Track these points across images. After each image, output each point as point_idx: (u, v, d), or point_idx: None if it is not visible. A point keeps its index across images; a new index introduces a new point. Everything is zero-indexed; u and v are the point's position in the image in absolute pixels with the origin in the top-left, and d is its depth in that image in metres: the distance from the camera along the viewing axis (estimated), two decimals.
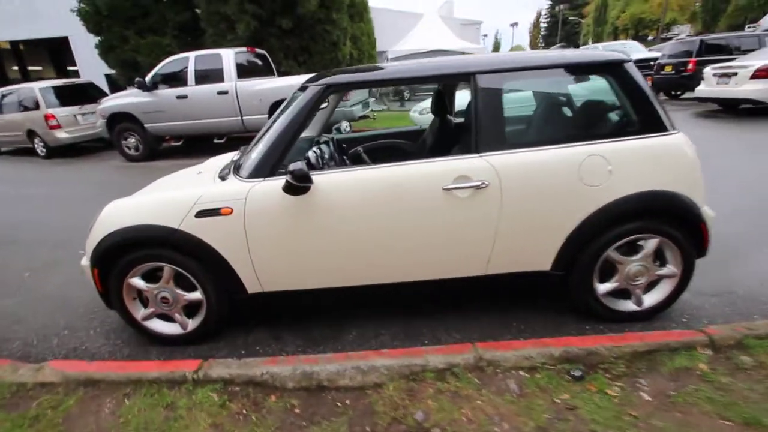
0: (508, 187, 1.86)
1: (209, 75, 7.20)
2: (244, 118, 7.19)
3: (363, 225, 1.90)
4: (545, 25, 62.01)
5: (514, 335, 2.05)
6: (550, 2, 37.08)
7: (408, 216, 1.89)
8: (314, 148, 2.44)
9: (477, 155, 1.88)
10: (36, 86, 8.77)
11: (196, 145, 8.40)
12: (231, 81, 7.09)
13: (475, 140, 1.89)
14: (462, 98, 2.95)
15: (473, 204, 1.87)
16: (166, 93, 7.26)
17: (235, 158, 2.34)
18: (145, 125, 7.49)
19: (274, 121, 2.09)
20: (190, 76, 7.20)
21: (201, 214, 1.88)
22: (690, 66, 9.68)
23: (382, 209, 1.88)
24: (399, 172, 1.89)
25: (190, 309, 2.11)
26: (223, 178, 2.05)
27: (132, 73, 10.05)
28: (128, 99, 7.50)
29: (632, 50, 13.95)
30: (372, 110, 8.53)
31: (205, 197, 1.89)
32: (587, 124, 2.13)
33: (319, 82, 1.95)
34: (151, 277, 2.05)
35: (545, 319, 2.18)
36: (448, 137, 2.72)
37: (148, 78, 7.31)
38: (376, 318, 2.27)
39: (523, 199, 1.88)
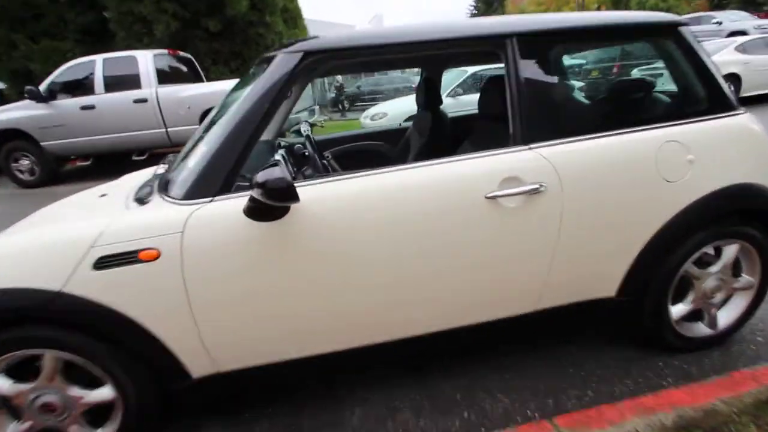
0: (571, 188, 1.33)
1: (122, 81, 6.08)
2: (169, 129, 6.16)
3: (375, 259, 1.27)
4: None
5: (581, 389, 1.51)
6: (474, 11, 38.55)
7: (440, 240, 1.29)
8: (281, 153, 1.75)
9: (525, 147, 1.34)
10: None
11: (110, 164, 7.11)
12: (150, 87, 6.04)
13: (521, 127, 1.35)
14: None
15: (525, 215, 1.32)
16: (67, 103, 6.02)
17: (161, 171, 1.59)
18: (41, 143, 6.14)
19: (219, 115, 1.40)
20: (98, 83, 6.04)
21: (103, 262, 1.13)
22: None
23: (403, 233, 1.26)
24: (425, 177, 1.29)
25: (97, 415, 1.31)
26: (141, 201, 1.31)
27: (25, 84, 8.45)
28: (18, 113, 6.13)
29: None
30: (320, 118, 7.85)
31: (109, 234, 1.14)
32: (651, 102, 1.69)
33: (295, 47, 1.29)
34: (25, 370, 1.24)
35: (601, 356, 1.68)
36: (447, 133, 2.18)
37: (43, 86, 6.02)
38: (381, 382, 1.63)
39: (590, 204, 1.37)
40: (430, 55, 1.90)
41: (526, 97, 1.35)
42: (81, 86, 6.09)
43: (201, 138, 1.37)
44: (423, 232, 1.27)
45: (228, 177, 1.20)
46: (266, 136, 2.36)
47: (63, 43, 8.83)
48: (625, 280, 1.50)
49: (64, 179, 6.68)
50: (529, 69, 1.36)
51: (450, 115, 2.45)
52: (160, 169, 1.65)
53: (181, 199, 1.20)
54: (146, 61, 6.09)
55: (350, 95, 16.09)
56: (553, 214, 1.34)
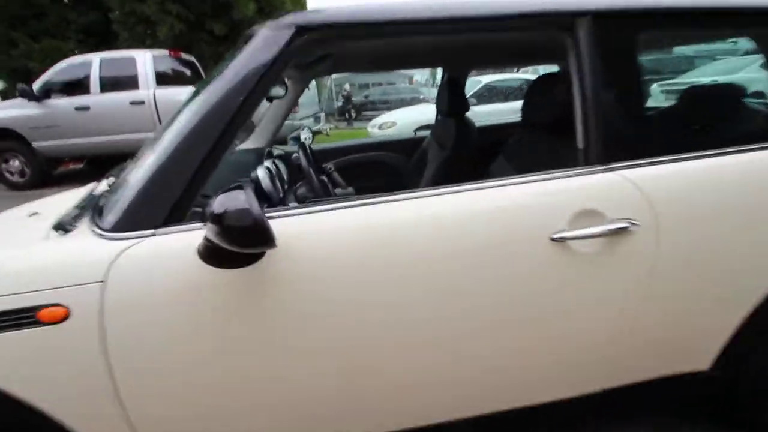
0: (669, 226, 0.94)
1: (119, 82, 5.80)
2: None
3: (388, 319, 0.88)
4: None
5: None
6: None
7: (483, 298, 0.90)
8: (268, 163, 1.38)
9: (604, 168, 0.95)
10: None
11: (105, 168, 6.80)
12: (148, 89, 5.74)
13: (598, 140, 0.96)
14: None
15: (605, 264, 0.93)
16: (61, 103, 5.73)
17: (99, 190, 1.20)
18: (32, 144, 5.84)
19: (179, 113, 1.03)
20: (94, 83, 5.74)
21: None
22: None
23: (428, 288, 0.87)
24: (460, 207, 0.91)
25: None
26: (64, 229, 0.93)
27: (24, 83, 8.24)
28: (8, 111, 5.85)
29: None
30: (326, 126, 7.51)
31: None
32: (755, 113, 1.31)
33: (284, 21, 0.92)
34: None
35: None
36: (473, 146, 1.81)
37: (36, 85, 5.74)
38: None
39: (695, 248, 0.97)
40: (464, 44, 1.51)
41: (605, 98, 0.97)
42: (76, 86, 5.80)
43: (153, 144, 0.99)
44: (455, 287, 0.89)
45: (180, 200, 0.82)
46: (256, 143, 2.00)
47: (65, 42, 8.62)
48: (727, 347, 1.10)
49: (56, 182, 6.36)
50: (611, 61, 0.98)
51: (477, 124, 2.08)
52: (104, 183, 1.27)
53: (109, 231, 0.82)
54: (145, 61, 5.79)
55: (358, 104, 15.86)
56: (642, 262, 0.94)
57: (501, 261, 0.90)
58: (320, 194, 1.28)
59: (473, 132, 1.96)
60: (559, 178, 0.95)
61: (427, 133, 2.36)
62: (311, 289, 0.84)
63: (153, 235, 0.81)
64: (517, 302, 0.92)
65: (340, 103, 15.84)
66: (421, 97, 14.76)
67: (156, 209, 0.82)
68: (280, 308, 0.83)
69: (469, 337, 0.93)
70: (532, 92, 1.38)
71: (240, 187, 0.69)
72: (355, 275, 0.85)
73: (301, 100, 6.87)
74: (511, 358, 0.98)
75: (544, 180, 0.94)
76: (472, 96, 6.56)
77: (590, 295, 0.95)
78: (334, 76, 18.89)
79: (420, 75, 21.79)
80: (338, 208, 0.88)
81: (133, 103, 5.70)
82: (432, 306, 0.89)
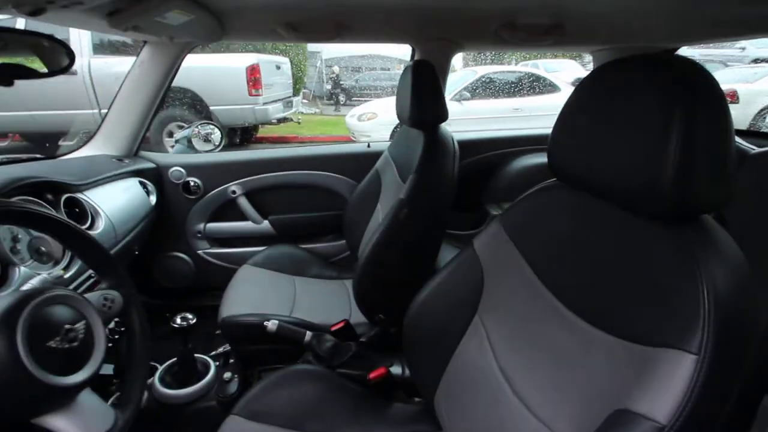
0: None
1: None
2: (103, 111, 4.92)
3: None
4: None
5: None
6: None
7: None
8: None
9: None
10: None
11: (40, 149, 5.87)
12: (81, 57, 4.81)
13: None
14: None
15: None
16: None
17: None
18: None
19: None
20: None
21: None
22: None
23: None
24: None
25: None
26: None
27: None
28: None
29: None
30: (298, 111, 6.62)
31: None
32: None
33: None
34: None
35: None
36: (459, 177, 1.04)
37: None
38: None
39: None
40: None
41: None
42: None
43: None
44: None
45: None
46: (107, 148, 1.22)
47: None
48: None
49: None
50: None
51: (459, 137, 1.29)
52: None
53: None
54: None
55: (347, 89, 14.84)
56: None
57: None
58: None
59: (449, 154, 1.17)
60: None
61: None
62: None
63: None
64: None
65: (328, 86, 14.82)
66: None
67: None
68: None
69: None
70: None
71: None
72: None
73: (271, 80, 6.00)
74: None
75: None
76: (464, 89, 5.74)
77: None
78: (325, 57, 17.79)
79: None
80: None
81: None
82: None
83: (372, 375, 0.94)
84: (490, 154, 1.73)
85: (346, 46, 18.74)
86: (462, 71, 5.80)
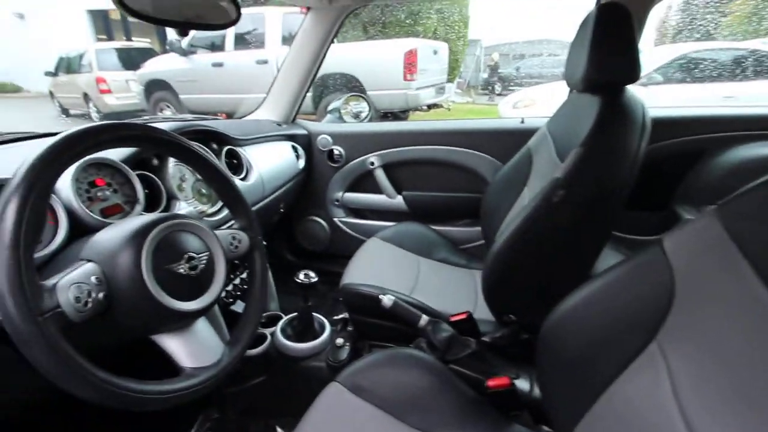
0: None
1: (251, 40, 5.83)
2: None
3: None
4: None
5: None
6: None
7: None
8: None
9: None
10: (95, 47, 8.36)
11: None
12: (273, 48, 5.62)
13: None
14: None
15: None
16: (202, 59, 6.05)
17: None
18: (179, 96, 6.40)
19: None
20: (229, 39, 5.89)
21: None
22: None
23: None
24: None
25: None
26: None
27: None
28: (166, 65, 6.46)
29: None
30: (449, 99, 6.50)
31: None
32: None
33: None
34: None
35: None
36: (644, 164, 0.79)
37: (185, 40, 6.15)
38: None
39: None
40: None
41: None
42: (215, 41, 6.04)
43: None
44: None
45: None
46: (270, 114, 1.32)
47: None
48: None
49: None
50: None
51: (654, 113, 0.98)
52: None
53: None
54: (273, 19, 5.66)
55: (505, 77, 14.05)
56: None
57: None
58: None
59: (634, 128, 0.89)
60: None
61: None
62: None
63: None
64: None
65: (485, 75, 14.29)
66: None
67: None
68: None
69: None
70: None
71: None
72: None
73: (426, 65, 6.01)
74: None
75: None
76: (656, 72, 4.70)
77: None
78: (485, 45, 17.16)
79: None
80: None
81: (258, 62, 5.67)
82: None
83: (491, 383, 0.78)
84: (691, 139, 1.31)
85: (508, 33, 17.67)
86: (656, 50, 4.75)
